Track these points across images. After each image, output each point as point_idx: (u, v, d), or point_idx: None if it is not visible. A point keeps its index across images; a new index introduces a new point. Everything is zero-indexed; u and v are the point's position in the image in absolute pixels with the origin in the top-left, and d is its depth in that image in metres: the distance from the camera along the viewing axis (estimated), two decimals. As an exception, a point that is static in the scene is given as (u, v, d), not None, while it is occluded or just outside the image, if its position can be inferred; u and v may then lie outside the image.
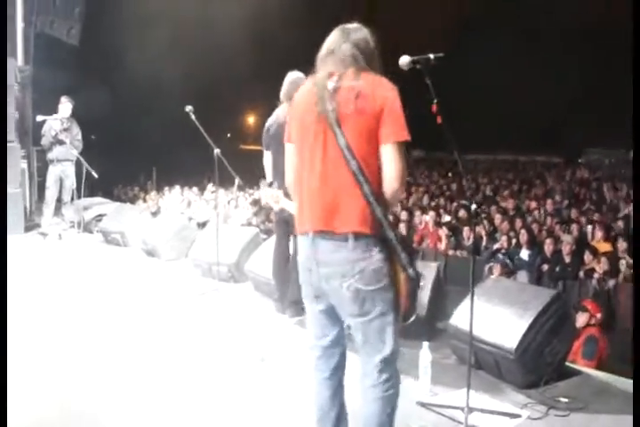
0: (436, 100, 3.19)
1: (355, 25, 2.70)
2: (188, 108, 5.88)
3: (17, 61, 10.44)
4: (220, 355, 4.27)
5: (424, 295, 4.55)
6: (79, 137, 8.75)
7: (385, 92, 2.49)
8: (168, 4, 21.53)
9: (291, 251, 4.88)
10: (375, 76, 2.55)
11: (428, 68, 3.19)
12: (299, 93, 2.72)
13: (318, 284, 2.53)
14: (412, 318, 2.59)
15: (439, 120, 3.21)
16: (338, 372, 2.70)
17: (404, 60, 3.12)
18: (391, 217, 9.56)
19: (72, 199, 8.85)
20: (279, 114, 4.78)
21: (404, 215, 10.85)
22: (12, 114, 9.12)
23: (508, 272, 7.68)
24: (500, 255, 8.31)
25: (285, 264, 4.90)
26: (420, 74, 3.22)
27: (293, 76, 4.76)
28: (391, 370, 2.56)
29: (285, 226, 4.82)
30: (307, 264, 2.56)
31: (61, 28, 11.82)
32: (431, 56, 3.17)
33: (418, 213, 10.90)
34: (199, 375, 3.89)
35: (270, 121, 4.88)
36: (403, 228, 9.97)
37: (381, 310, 2.49)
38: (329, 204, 2.47)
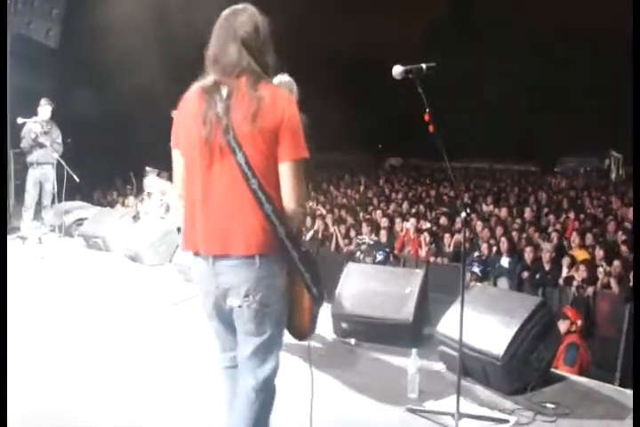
0: (428, 110, 3.25)
1: (240, 7, 2.46)
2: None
3: (-6, 61, 10.29)
4: (203, 360, 4.27)
5: (410, 302, 4.59)
6: (59, 140, 8.68)
7: (284, 106, 2.33)
8: (149, 6, 21.48)
9: None
10: (272, 87, 2.40)
11: (421, 78, 3.25)
12: (188, 99, 2.45)
13: (218, 304, 2.46)
14: (309, 338, 2.67)
15: (431, 129, 3.25)
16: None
17: (397, 70, 3.16)
18: (368, 224, 9.54)
19: (52, 203, 8.77)
20: None
21: (384, 222, 10.89)
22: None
23: (477, 280, 7.70)
24: (474, 263, 8.33)
25: None
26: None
27: (279, 79, 4.40)
28: (270, 387, 2.54)
29: None
30: (205, 286, 2.46)
31: (39, 30, 11.68)
32: (423, 66, 3.23)
33: (398, 220, 10.95)
34: (183, 381, 3.88)
35: None
36: (383, 234, 10.01)
37: (276, 330, 2.47)
38: (227, 225, 2.34)
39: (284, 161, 2.32)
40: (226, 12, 2.46)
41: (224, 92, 2.35)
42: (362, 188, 17.99)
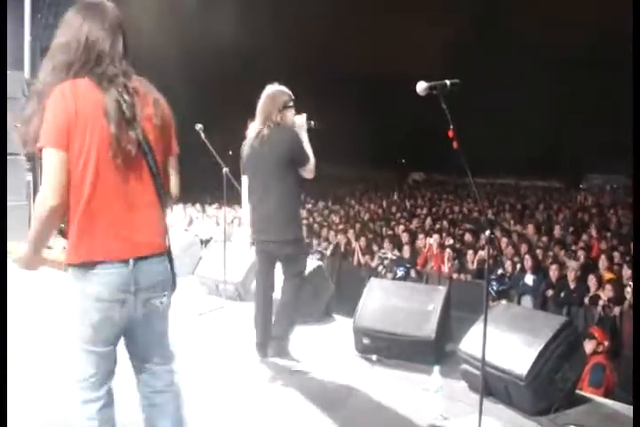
0: (452, 126, 3.22)
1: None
2: (198, 126, 5.94)
3: (24, 74, 10.46)
4: (225, 373, 4.26)
5: (432, 319, 4.54)
6: None
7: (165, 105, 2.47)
8: (169, 21, 21.81)
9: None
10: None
11: (445, 94, 3.23)
12: (86, 98, 2.24)
13: (123, 317, 2.35)
14: None
15: (455, 145, 3.23)
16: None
17: (422, 86, 3.14)
18: (390, 240, 9.46)
19: None
20: (250, 132, 4.40)
21: (406, 238, 10.85)
22: (18, 126, 9.13)
23: (493, 299, 7.59)
24: (491, 282, 8.19)
25: (269, 302, 4.51)
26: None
27: (271, 89, 4.37)
28: (176, 385, 2.68)
29: (269, 257, 4.43)
30: (117, 295, 2.30)
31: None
32: (447, 82, 3.20)
33: (421, 235, 10.90)
34: (203, 394, 3.87)
35: (245, 142, 4.48)
36: (406, 250, 9.96)
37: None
38: (147, 224, 2.37)
39: (173, 154, 2.51)
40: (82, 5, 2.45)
41: (121, 85, 2.28)
42: (384, 203, 17.94)
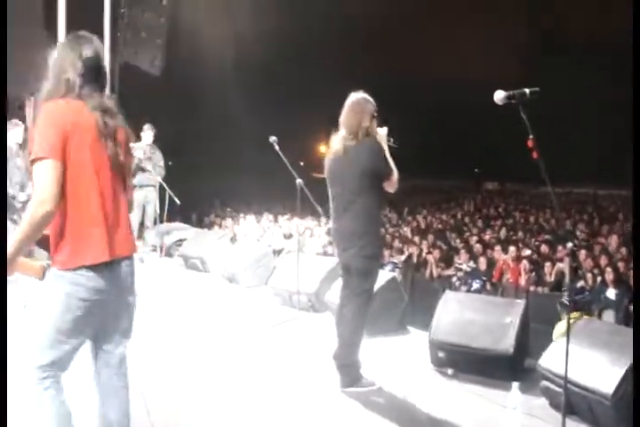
0: (531, 136, 3.14)
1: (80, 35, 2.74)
2: (272, 138, 6.01)
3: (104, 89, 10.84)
4: (298, 384, 4.26)
5: (510, 333, 4.42)
6: (161, 163, 9.03)
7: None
8: (243, 35, 22.22)
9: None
10: None
11: (524, 103, 3.16)
12: (79, 115, 2.52)
13: (108, 314, 2.60)
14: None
15: (535, 155, 3.15)
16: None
17: (500, 95, 3.08)
18: (466, 251, 9.27)
19: (154, 224, 9.10)
20: (333, 143, 4.28)
21: (481, 249, 10.65)
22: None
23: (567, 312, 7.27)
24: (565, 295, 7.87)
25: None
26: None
27: (357, 97, 4.20)
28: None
29: (346, 272, 4.28)
30: (103, 295, 2.50)
31: (145, 59, 12.27)
32: (527, 91, 3.13)
33: (497, 247, 10.66)
34: (278, 406, 3.88)
35: (328, 151, 4.39)
36: (482, 262, 9.76)
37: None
38: (127, 229, 2.64)
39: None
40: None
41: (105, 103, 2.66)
42: (458, 213, 17.68)
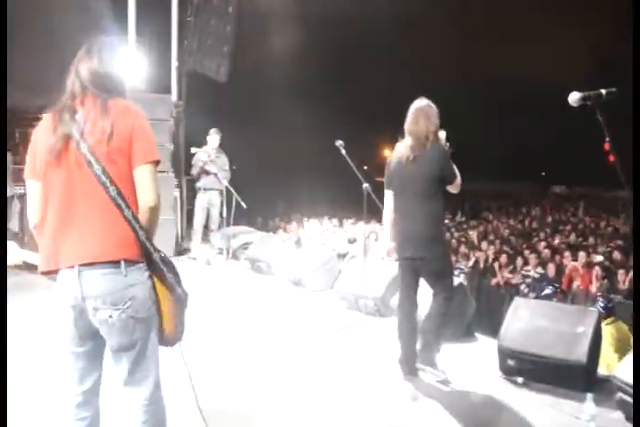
0: (608, 138, 3.06)
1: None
2: (339, 142, 6.03)
3: (171, 97, 11.10)
4: (364, 388, 4.26)
5: (584, 342, 4.30)
6: (226, 167, 9.18)
7: (132, 120, 2.51)
8: (310, 41, 22.37)
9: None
10: (117, 103, 2.55)
11: (600, 105, 3.07)
12: (42, 124, 2.59)
13: (84, 321, 2.45)
14: (178, 344, 2.61)
15: (612, 159, 3.06)
16: (96, 420, 2.62)
17: (575, 97, 3.00)
18: (535, 257, 9.09)
19: (219, 227, 9.26)
20: (399, 149, 4.38)
21: (549, 254, 10.40)
22: (167, 146, 9.74)
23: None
24: (599, 299, 7.59)
25: (413, 319, 4.47)
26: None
27: (423, 104, 4.30)
28: (158, 404, 2.57)
29: (414, 274, 4.40)
30: (68, 301, 2.44)
31: (212, 66, 12.48)
32: (603, 91, 3.04)
33: (566, 252, 10.38)
34: (343, 409, 3.88)
35: (392, 156, 4.47)
36: (551, 268, 9.53)
37: (149, 339, 2.48)
38: (93, 233, 2.43)
39: (138, 165, 2.49)
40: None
41: (78, 114, 2.51)
42: (524, 218, 17.32)
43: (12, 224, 10.14)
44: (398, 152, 4.37)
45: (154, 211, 2.48)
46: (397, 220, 4.42)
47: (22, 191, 9.79)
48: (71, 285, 2.42)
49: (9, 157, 9.76)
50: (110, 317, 2.40)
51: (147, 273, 2.46)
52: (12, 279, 7.71)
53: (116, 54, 2.65)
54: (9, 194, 9.78)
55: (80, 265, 2.40)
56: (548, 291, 8.12)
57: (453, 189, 4.32)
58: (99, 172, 2.42)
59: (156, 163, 2.53)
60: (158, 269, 2.46)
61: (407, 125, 4.30)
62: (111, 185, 2.42)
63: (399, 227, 4.39)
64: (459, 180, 4.30)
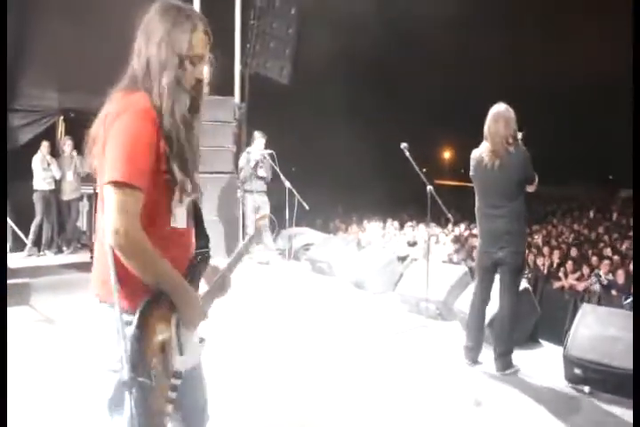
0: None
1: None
2: (403, 145, 6.01)
3: (234, 99, 11.24)
4: (425, 392, 4.23)
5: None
6: (270, 170, 9.29)
7: (106, 125, 1.93)
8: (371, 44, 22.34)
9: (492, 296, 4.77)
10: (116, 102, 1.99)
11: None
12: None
13: None
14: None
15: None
16: None
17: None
18: (610, 263, 8.81)
19: (274, 228, 9.37)
20: (482, 154, 4.59)
21: (617, 260, 10.08)
22: (230, 148, 9.88)
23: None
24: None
25: (483, 312, 4.76)
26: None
27: (498, 108, 4.53)
28: None
29: (491, 270, 4.68)
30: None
31: (274, 69, 12.59)
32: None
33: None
34: (405, 412, 3.87)
35: (473, 160, 4.69)
36: (620, 274, 9.22)
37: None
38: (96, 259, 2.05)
39: (105, 183, 1.90)
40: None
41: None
42: (591, 222, 16.86)
43: (80, 223, 10.50)
44: (480, 157, 4.59)
45: (116, 246, 1.85)
46: (483, 219, 4.67)
47: (91, 191, 10.12)
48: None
49: (79, 157, 10.11)
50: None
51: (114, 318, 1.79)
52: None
53: None
54: (76, 195, 10.13)
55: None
56: (629, 299, 7.84)
57: (531, 188, 4.61)
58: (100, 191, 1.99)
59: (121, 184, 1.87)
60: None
61: (487, 129, 4.52)
62: (101, 202, 1.98)
63: (485, 225, 4.65)
64: (536, 179, 4.59)
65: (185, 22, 2.02)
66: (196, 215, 2.18)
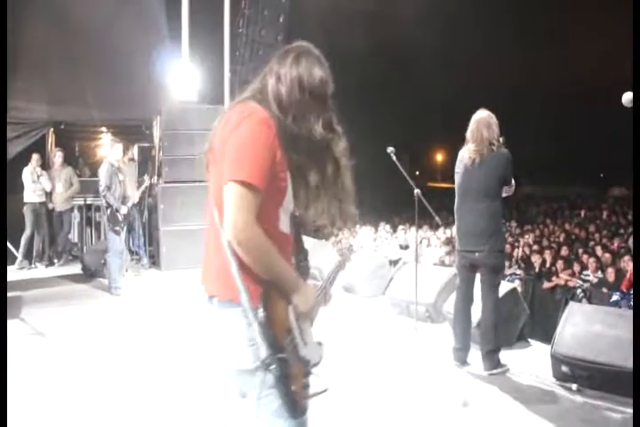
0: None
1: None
2: (390, 149, 6.05)
3: (224, 108, 11.28)
4: (417, 393, 4.26)
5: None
6: None
7: (230, 127, 2.05)
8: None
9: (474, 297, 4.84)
10: (239, 107, 2.11)
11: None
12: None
13: None
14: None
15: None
16: None
17: (628, 97, 2.99)
18: (595, 261, 8.91)
19: None
20: (465, 154, 4.73)
21: (607, 258, 10.14)
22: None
23: None
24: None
25: (468, 312, 4.83)
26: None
27: (480, 114, 4.70)
28: None
29: (472, 269, 4.77)
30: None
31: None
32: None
33: (627, 257, 10.09)
34: (396, 415, 3.90)
35: (458, 161, 4.83)
36: (610, 273, 9.29)
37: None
38: (210, 260, 2.10)
39: (225, 182, 1.98)
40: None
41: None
42: (582, 221, 16.95)
43: (71, 235, 10.47)
44: (463, 156, 4.73)
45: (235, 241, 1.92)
46: (461, 218, 4.76)
47: (81, 203, 10.14)
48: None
49: (69, 169, 10.13)
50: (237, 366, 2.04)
51: (241, 316, 1.95)
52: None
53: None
54: (67, 207, 10.13)
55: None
56: (617, 296, 7.91)
57: (508, 191, 4.72)
58: (211, 189, 2.11)
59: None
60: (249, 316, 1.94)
61: (470, 133, 4.68)
62: (214, 206, 2.06)
63: (463, 225, 4.75)
64: (514, 184, 4.73)
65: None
66: (296, 226, 2.22)
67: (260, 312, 1.91)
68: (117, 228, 7.64)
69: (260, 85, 2.16)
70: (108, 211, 7.66)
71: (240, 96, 2.20)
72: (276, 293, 2.00)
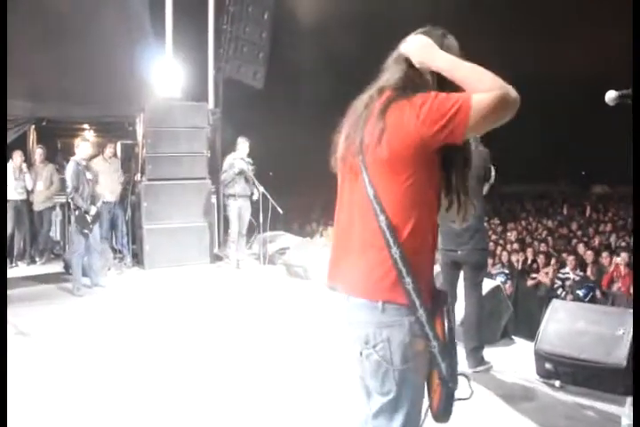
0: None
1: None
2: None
3: (208, 105, 11.23)
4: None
5: (623, 345, 4.25)
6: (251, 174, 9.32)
7: (412, 127, 1.96)
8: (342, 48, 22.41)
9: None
10: (404, 103, 2.01)
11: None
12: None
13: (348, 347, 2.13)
14: (442, 421, 2.19)
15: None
16: None
17: (612, 95, 2.98)
18: (574, 258, 8.96)
19: (252, 232, 9.38)
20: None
21: (589, 256, 10.24)
22: (205, 153, 9.87)
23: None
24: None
25: (453, 311, 4.76)
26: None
27: None
28: None
29: (455, 267, 4.79)
30: (341, 324, 2.15)
31: (247, 73, 12.60)
32: (643, 89, 3.01)
33: (605, 253, 10.21)
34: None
35: None
36: (590, 269, 9.39)
37: (402, 393, 2.03)
38: (353, 261, 2.09)
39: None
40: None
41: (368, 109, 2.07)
42: (564, 219, 17.08)
43: (53, 233, 10.35)
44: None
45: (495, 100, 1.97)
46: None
47: (63, 201, 10.05)
48: (342, 308, 2.15)
49: (50, 166, 10.02)
50: (361, 354, 2.07)
51: (409, 319, 1.95)
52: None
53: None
54: (49, 205, 10.02)
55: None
56: (582, 292, 7.99)
57: (486, 188, 4.81)
58: (370, 193, 1.99)
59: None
60: (422, 329, 1.93)
61: None
62: (381, 213, 1.96)
63: (445, 223, 4.65)
64: (492, 180, 4.82)
65: None
66: None
67: (423, 311, 1.92)
68: (86, 230, 7.49)
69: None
70: (76, 212, 7.51)
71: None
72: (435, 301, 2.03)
